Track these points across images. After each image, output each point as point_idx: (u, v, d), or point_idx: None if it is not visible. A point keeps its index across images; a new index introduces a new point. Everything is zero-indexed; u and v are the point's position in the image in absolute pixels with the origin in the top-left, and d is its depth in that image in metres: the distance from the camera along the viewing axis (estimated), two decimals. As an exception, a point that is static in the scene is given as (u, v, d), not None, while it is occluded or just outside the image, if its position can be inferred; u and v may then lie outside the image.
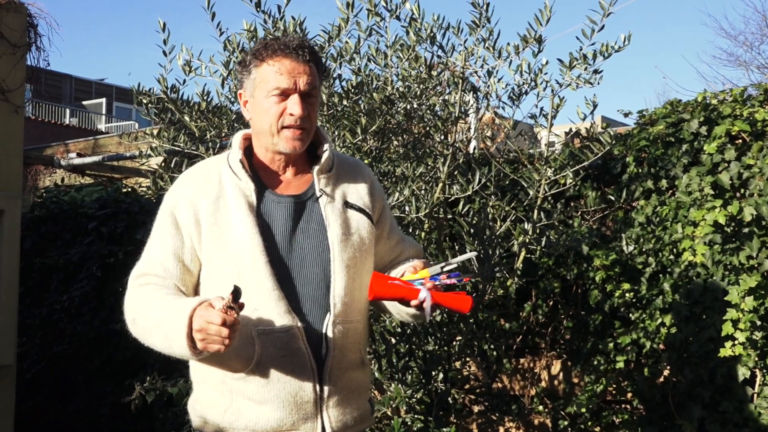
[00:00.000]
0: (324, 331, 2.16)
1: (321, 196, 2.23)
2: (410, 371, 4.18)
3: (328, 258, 2.18)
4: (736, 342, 3.89)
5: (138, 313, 2.14)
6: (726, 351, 3.90)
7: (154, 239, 2.24)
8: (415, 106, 3.88)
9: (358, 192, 2.29)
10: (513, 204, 4.27)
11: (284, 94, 2.16)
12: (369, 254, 2.26)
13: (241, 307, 1.95)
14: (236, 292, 1.92)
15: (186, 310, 1.98)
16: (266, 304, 2.12)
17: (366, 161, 3.76)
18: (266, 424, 2.13)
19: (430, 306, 2.10)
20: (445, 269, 2.14)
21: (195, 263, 2.20)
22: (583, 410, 4.50)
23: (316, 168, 2.24)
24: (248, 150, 2.28)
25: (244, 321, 2.06)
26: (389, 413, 4.13)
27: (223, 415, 2.17)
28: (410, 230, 3.92)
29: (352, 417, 2.22)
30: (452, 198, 3.94)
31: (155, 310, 2.09)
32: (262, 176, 2.24)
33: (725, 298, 3.99)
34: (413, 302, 2.14)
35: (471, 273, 2.09)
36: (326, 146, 2.26)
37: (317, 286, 2.17)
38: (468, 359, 4.74)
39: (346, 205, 2.26)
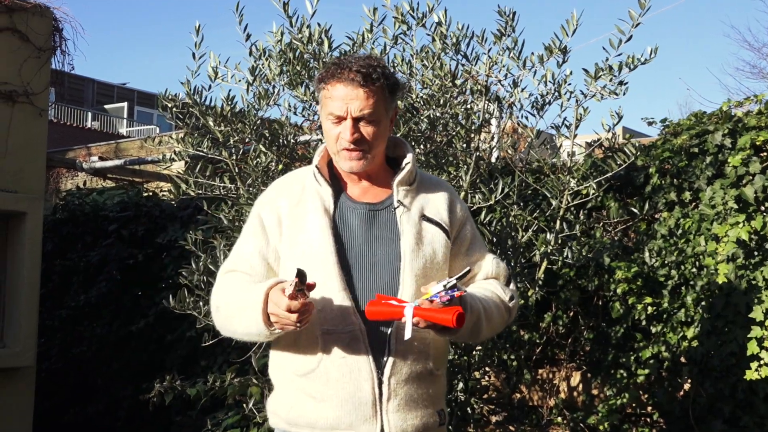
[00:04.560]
0: (387, 336, 2.19)
1: (398, 206, 2.28)
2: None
3: (398, 266, 2.22)
4: (762, 362, 3.84)
5: (222, 302, 2.27)
6: (751, 374, 3.85)
7: (243, 239, 2.36)
8: (438, 114, 3.87)
9: (437, 207, 2.33)
10: (535, 214, 4.25)
11: (339, 119, 2.22)
12: (441, 268, 2.28)
13: (311, 287, 2.02)
14: (301, 276, 1.97)
15: (260, 295, 2.09)
16: (332, 305, 2.18)
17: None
18: (325, 422, 2.19)
19: (410, 322, 2.04)
20: (448, 286, 2.04)
21: (279, 262, 2.30)
22: (606, 424, 4.46)
23: (397, 179, 2.30)
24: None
25: (310, 321, 2.14)
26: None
27: (288, 412, 2.26)
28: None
29: (413, 425, 2.22)
30: (474, 207, 3.93)
31: (236, 298, 2.22)
32: (343, 183, 2.33)
33: (749, 315, 3.95)
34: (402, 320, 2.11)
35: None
36: (408, 158, 2.31)
37: (385, 292, 2.20)
38: (488, 369, 4.72)
39: (423, 217, 2.29)
